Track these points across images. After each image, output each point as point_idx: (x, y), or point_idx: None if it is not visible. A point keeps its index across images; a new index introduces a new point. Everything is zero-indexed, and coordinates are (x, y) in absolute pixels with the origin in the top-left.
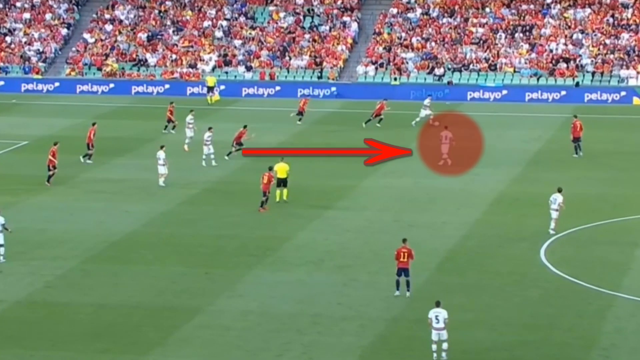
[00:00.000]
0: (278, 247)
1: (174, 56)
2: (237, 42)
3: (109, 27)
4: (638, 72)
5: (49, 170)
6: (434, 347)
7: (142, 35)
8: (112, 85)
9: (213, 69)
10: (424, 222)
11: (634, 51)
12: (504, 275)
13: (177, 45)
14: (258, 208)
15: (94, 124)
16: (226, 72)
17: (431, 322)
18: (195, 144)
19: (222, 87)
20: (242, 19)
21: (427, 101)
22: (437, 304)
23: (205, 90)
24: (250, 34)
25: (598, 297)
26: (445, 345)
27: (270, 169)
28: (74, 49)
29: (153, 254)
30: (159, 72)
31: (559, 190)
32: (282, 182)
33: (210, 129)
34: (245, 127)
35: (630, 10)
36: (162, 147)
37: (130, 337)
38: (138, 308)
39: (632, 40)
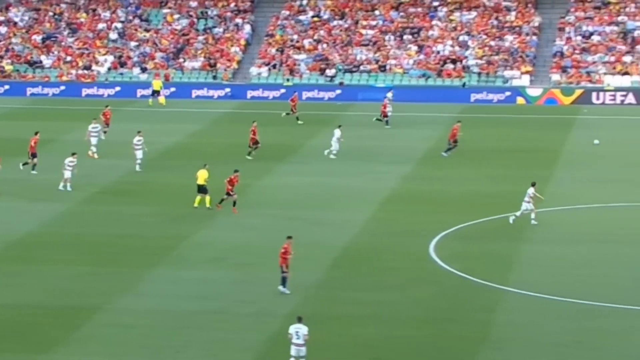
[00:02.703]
0: (180, 245)
1: (69, 58)
2: (132, 44)
3: (3, 29)
4: (522, 73)
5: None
6: None
7: (37, 37)
8: (7, 86)
9: (108, 70)
10: (321, 220)
11: (517, 52)
12: (397, 271)
13: (72, 47)
14: (232, 209)
15: (36, 133)
16: (121, 74)
17: (291, 337)
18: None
19: (173, 89)
20: (136, 21)
21: (390, 95)
22: (299, 320)
23: (150, 92)
24: (144, 36)
25: (487, 292)
26: None
27: (236, 171)
28: None
29: (54, 254)
30: (54, 73)
31: (533, 185)
32: (200, 189)
33: (139, 132)
34: (254, 122)
35: (514, 13)
36: (73, 154)
37: (32, 336)
38: (39, 307)
39: (516, 42)
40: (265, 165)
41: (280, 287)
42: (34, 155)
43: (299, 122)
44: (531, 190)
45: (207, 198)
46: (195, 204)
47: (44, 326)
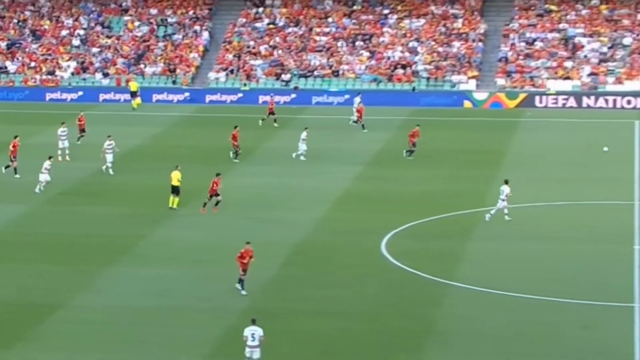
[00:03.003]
0: (138, 244)
1: (33, 63)
2: (94, 50)
3: None
4: (468, 78)
5: (11, 161)
6: None
7: (2, 44)
8: None
9: (72, 75)
10: (276, 219)
11: (464, 58)
12: (349, 268)
13: (36, 53)
14: (200, 209)
15: (16, 137)
16: (84, 79)
17: (247, 339)
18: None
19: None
20: (98, 28)
21: (358, 99)
22: (253, 322)
23: (129, 95)
24: (106, 42)
25: (434, 286)
26: None
27: (218, 174)
28: None
29: (17, 253)
30: (19, 79)
31: (506, 182)
32: (174, 190)
33: (109, 137)
34: (236, 127)
35: (461, 20)
36: (50, 158)
37: None
38: (1, 304)
39: (463, 48)
40: (222, 166)
41: (238, 286)
42: (14, 158)
43: (259, 123)
44: (507, 189)
45: (176, 200)
46: (170, 205)
47: (6, 322)
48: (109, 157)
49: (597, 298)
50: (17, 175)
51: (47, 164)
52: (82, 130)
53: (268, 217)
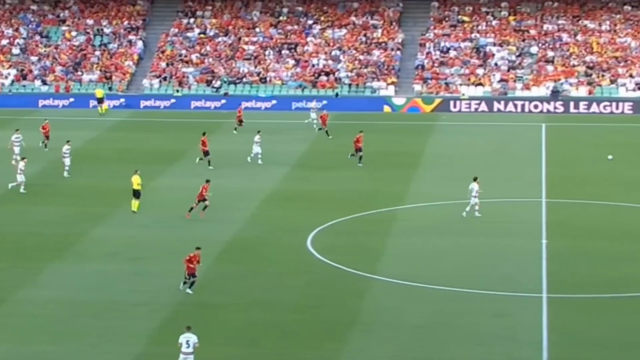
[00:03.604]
0: (76, 241)
1: None
2: (34, 59)
3: None
4: (388, 84)
5: None
6: None
7: None
8: None
9: (12, 83)
10: (208, 217)
11: (383, 65)
12: (276, 263)
13: None
14: (196, 213)
15: None
16: (24, 86)
17: (181, 346)
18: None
19: (72, 99)
20: (37, 37)
21: (314, 104)
22: (188, 329)
23: (96, 102)
24: (45, 51)
25: (357, 280)
26: None
27: (208, 181)
28: None
29: None
30: None
31: (475, 179)
32: (135, 193)
33: (68, 142)
34: (204, 134)
35: (380, 30)
36: (23, 159)
37: None
38: None
39: (382, 56)
40: (157, 168)
41: (187, 289)
42: None
43: (234, 131)
44: (476, 186)
45: (137, 202)
46: (133, 208)
47: None
48: (67, 161)
49: (508, 289)
50: None
51: (21, 165)
52: (47, 137)
53: (200, 215)
